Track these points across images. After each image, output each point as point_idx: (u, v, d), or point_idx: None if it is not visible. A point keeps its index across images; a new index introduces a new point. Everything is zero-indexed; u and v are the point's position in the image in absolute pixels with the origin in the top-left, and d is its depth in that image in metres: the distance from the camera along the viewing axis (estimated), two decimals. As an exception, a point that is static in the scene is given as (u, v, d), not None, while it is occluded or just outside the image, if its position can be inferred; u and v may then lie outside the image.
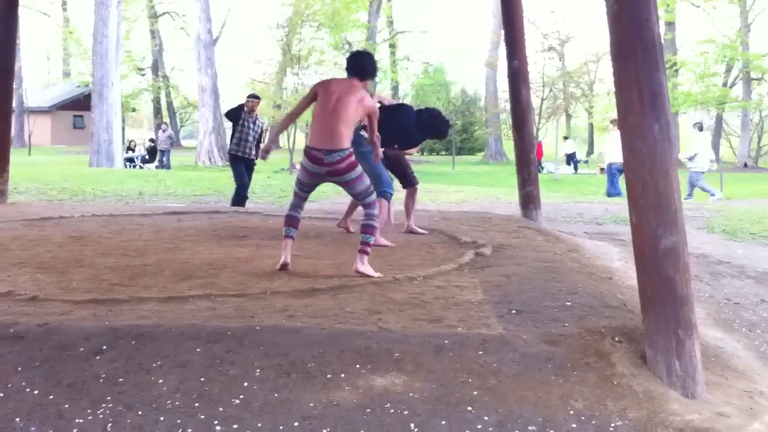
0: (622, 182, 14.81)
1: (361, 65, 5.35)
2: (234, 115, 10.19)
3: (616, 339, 3.66)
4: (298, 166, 25.00)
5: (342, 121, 5.06)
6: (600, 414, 3.06)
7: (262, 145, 7.97)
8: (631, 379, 3.33)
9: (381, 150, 5.82)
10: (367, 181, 5.25)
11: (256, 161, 10.32)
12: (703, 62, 31.12)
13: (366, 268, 5.07)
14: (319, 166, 5.10)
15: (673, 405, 3.19)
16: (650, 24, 3.57)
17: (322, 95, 5.17)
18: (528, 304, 4.28)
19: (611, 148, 16.06)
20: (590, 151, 43.54)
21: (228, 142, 11.43)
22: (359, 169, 5.20)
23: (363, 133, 6.16)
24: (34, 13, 45.06)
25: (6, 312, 3.92)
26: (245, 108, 10.11)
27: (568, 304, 4.27)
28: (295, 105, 5.60)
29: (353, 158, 5.15)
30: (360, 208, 5.52)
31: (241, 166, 10.22)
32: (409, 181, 7.33)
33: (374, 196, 5.28)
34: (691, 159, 16.25)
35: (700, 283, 6.20)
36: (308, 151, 5.14)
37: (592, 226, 10.39)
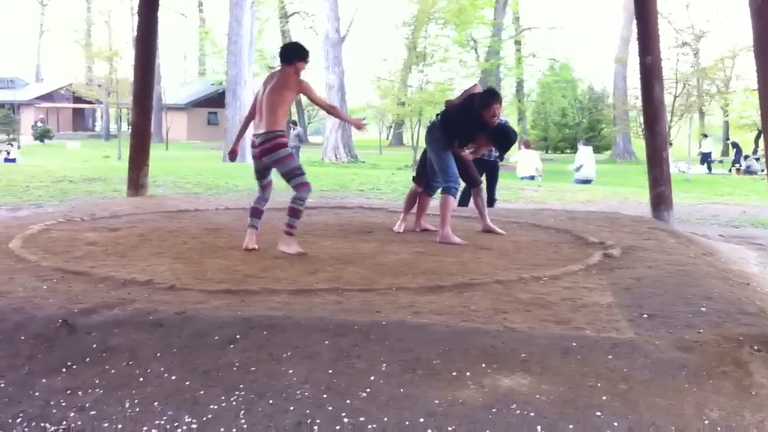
0: None
1: (284, 52, 5.91)
2: None
3: (755, 347, 3.49)
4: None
5: (269, 108, 5.64)
6: (737, 425, 2.93)
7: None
8: (771, 391, 3.17)
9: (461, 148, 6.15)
10: (293, 163, 5.70)
11: (499, 163, 9.99)
12: None
13: (289, 248, 5.62)
14: (254, 149, 5.71)
15: (815, 419, 3.02)
16: (798, 18, 3.39)
17: (260, 91, 5.84)
18: (660, 308, 4.14)
19: (521, 165, 20.21)
20: (725, 151, 41.62)
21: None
22: (286, 151, 5.68)
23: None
24: (172, 13, 47.15)
25: (146, 300, 4.12)
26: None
27: (703, 309, 4.10)
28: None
29: (281, 140, 5.64)
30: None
31: (481, 168, 9.98)
32: (471, 181, 7.16)
33: (303, 178, 5.67)
34: (577, 170, 20.79)
35: None
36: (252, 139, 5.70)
37: (727, 228, 9.95)
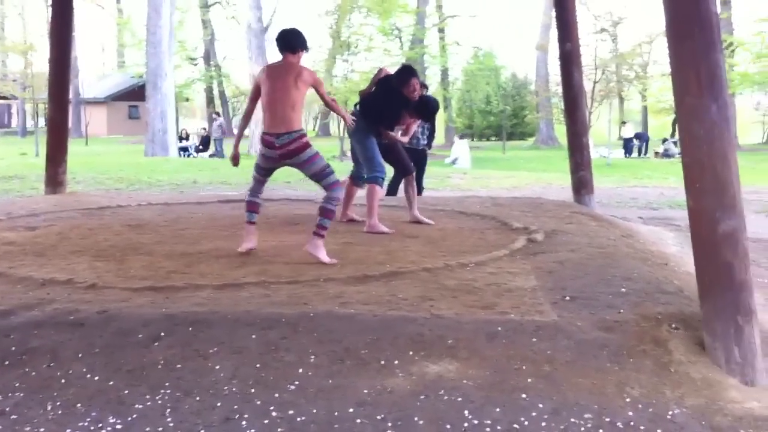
0: None
1: (289, 40, 5.39)
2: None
3: (673, 326, 3.60)
4: (349, 154, 25.23)
5: (288, 105, 5.18)
6: (657, 402, 3.02)
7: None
8: (688, 367, 3.28)
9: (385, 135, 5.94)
10: (322, 162, 5.28)
11: (427, 151, 9.80)
12: (761, 42, 30.26)
13: (319, 251, 5.14)
14: (272, 150, 5.21)
15: (732, 392, 3.14)
16: (707, 3, 3.49)
17: (265, 84, 5.28)
18: (582, 290, 4.24)
19: (460, 155, 22.52)
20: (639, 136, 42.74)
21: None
22: (312, 150, 5.26)
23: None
24: (88, 5, 45.90)
25: (66, 299, 4.02)
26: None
27: (623, 290, 4.22)
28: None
29: (305, 140, 5.23)
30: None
31: (410, 157, 9.91)
32: (403, 169, 7.13)
33: (334, 177, 5.29)
34: (453, 162, 22.43)
35: (759, 268, 6.05)
36: (263, 137, 5.29)
37: (646, 210, 10.23)
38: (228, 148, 28.93)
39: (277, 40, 5.43)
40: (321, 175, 5.25)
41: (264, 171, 5.46)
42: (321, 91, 5.45)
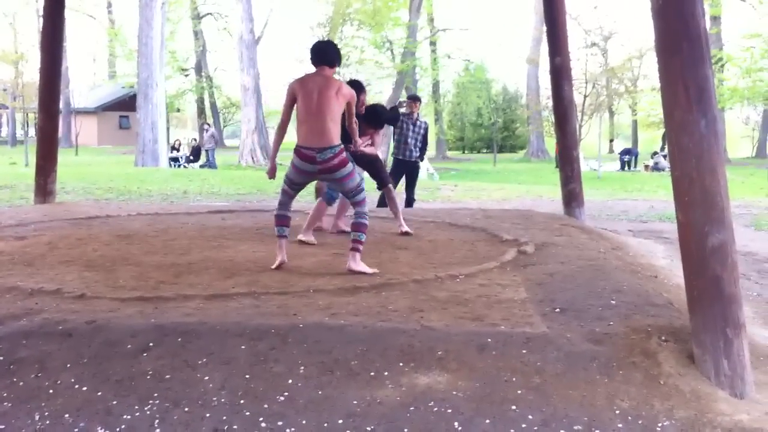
0: None
1: (327, 53, 5.33)
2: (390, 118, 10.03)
3: (663, 338, 3.61)
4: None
5: (329, 118, 5.12)
6: (646, 414, 3.03)
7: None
8: (678, 379, 3.28)
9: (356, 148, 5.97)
10: (357, 178, 5.31)
11: (419, 163, 10.13)
12: (750, 57, 30.49)
13: (359, 265, 5.14)
14: (312, 164, 5.14)
15: (721, 405, 3.14)
16: (696, 18, 3.52)
17: (302, 96, 5.19)
18: (572, 302, 4.24)
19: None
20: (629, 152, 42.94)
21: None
22: (350, 166, 5.25)
23: None
24: (80, 15, 45.88)
25: (55, 309, 4.00)
26: (403, 110, 9.94)
27: (613, 302, 4.23)
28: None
29: (344, 155, 5.20)
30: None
31: (401, 169, 9.98)
32: (380, 181, 7.12)
33: (364, 194, 5.31)
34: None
35: (748, 282, 6.08)
36: (299, 150, 5.16)
37: (636, 223, 10.27)
38: (219, 158, 28.93)
39: (313, 51, 5.34)
40: (353, 192, 5.26)
41: (297, 185, 5.38)
42: (352, 111, 5.43)
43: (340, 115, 5.22)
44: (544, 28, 9.24)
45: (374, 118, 6.98)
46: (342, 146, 5.18)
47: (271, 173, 5.62)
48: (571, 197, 8.69)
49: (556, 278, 4.91)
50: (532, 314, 4.00)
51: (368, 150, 6.91)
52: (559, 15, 8.66)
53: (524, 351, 3.43)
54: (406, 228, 7.01)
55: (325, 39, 5.50)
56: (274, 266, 5.27)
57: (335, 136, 5.13)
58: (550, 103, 11.23)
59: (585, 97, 28.05)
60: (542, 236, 6.65)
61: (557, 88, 8.77)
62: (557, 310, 4.09)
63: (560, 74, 8.65)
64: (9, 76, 34.34)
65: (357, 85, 6.75)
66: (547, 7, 8.82)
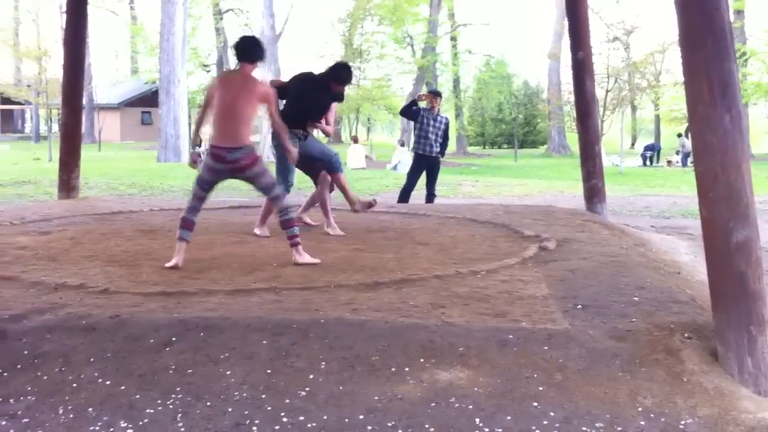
0: None
1: (247, 48, 5.34)
2: (410, 112, 10.00)
3: (686, 335, 3.58)
4: (392, 167, 25.27)
5: (240, 119, 5.14)
6: (669, 411, 3.01)
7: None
8: (701, 376, 3.26)
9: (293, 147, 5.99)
10: (271, 176, 5.39)
11: (440, 159, 10.08)
12: (774, 51, 30.16)
13: (304, 257, 5.29)
14: (222, 164, 5.17)
15: (744, 402, 3.12)
16: (720, 12, 3.48)
17: (218, 94, 5.21)
18: (594, 299, 4.22)
19: (350, 158, 23.63)
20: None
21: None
22: (262, 165, 5.30)
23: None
24: (102, 11, 46.17)
25: (78, 304, 4.04)
26: (423, 104, 9.94)
27: (636, 299, 4.20)
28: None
29: (256, 155, 5.24)
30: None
31: (422, 164, 9.98)
32: (333, 167, 6.81)
33: (279, 189, 5.43)
34: (394, 168, 22.78)
35: (773, 278, 6.02)
36: (212, 150, 5.20)
37: (659, 219, 10.20)
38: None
39: (235, 47, 5.37)
40: (269, 189, 5.32)
41: (209, 185, 5.35)
42: (272, 109, 5.41)
43: (252, 116, 5.26)
44: (566, 23, 9.18)
45: (340, 77, 6.73)
46: (252, 146, 5.22)
47: (195, 162, 5.71)
48: (593, 193, 8.64)
49: (578, 274, 4.89)
50: (553, 311, 3.98)
51: (324, 127, 6.86)
52: (581, 9, 8.60)
53: (546, 348, 3.42)
54: (337, 230, 6.79)
55: (248, 35, 5.49)
56: (168, 265, 5.14)
57: (245, 137, 5.19)
58: (572, 98, 11.16)
59: (607, 92, 27.84)
60: (564, 232, 6.61)
61: (579, 82, 8.71)
62: (579, 306, 4.06)
63: (582, 69, 8.60)
64: (32, 72, 34.63)
65: (348, 70, 6.77)
66: (568, 1, 8.77)
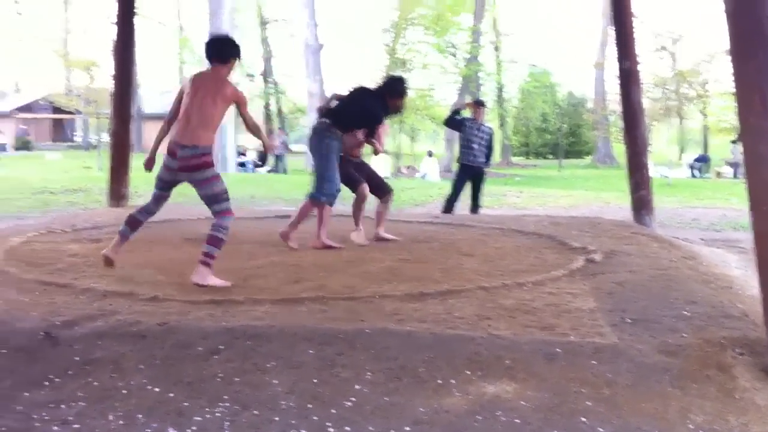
0: None
1: (217, 48, 5.14)
2: (454, 122, 10.03)
3: (738, 351, 3.51)
4: (404, 170, 25.82)
5: (202, 120, 4.91)
6: (721, 429, 2.95)
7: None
8: (754, 393, 3.19)
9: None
10: (220, 187, 4.96)
11: (485, 169, 10.07)
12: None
13: (205, 279, 4.85)
14: (173, 159, 4.94)
15: (799, 421, 3.04)
16: (772, 21, 3.42)
17: (188, 92, 5.01)
18: (643, 313, 4.16)
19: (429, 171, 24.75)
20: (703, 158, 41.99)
21: None
22: (212, 171, 4.97)
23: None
24: (150, 22, 46.93)
25: (128, 311, 4.10)
26: (466, 114, 9.99)
27: (686, 313, 4.13)
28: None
29: (208, 159, 4.94)
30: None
31: (466, 174, 9.97)
32: (383, 190, 6.98)
33: (228, 204, 5.00)
34: (423, 177, 24.18)
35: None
36: (168, 146, 5.01)
37: (708, 232, 10.02)
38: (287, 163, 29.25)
39: (206, 46, 5.16)
40: (216, 199, 4.96)
41: (164, 183, 5.11)
42: (244, 111, 5.15)
43: (219, 118, 5.00)
44: (612, 32, 9.10)
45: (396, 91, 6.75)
46: (208, 149, 4.94)
47: (147, 163, 5.33)
48: (641, 204, 8.52)
49: (626, 287, 4.82)
50: (601, 324, 3.94)
51: (376, 144, 6.85)
52: (627, 18, 8.52)
53: (594, 362, 3.38)
54: (386, 234, 6.92)
55: (222, 34, 5.24)
56: (102, 252, 5.10)
57: (202, 139, 4.91)
58: (618, 107, 11.04)
59: (654, 101, 27.52)
60: (611, 244, 6.53)
61: (626, 92, 8.62)
62: (628, 320, 4.01)
63: (629, 78, 8.51)
64: (82, 82, 35.33)
65: (404, 84, 6.76)
66: (615, 10, 8.70)
